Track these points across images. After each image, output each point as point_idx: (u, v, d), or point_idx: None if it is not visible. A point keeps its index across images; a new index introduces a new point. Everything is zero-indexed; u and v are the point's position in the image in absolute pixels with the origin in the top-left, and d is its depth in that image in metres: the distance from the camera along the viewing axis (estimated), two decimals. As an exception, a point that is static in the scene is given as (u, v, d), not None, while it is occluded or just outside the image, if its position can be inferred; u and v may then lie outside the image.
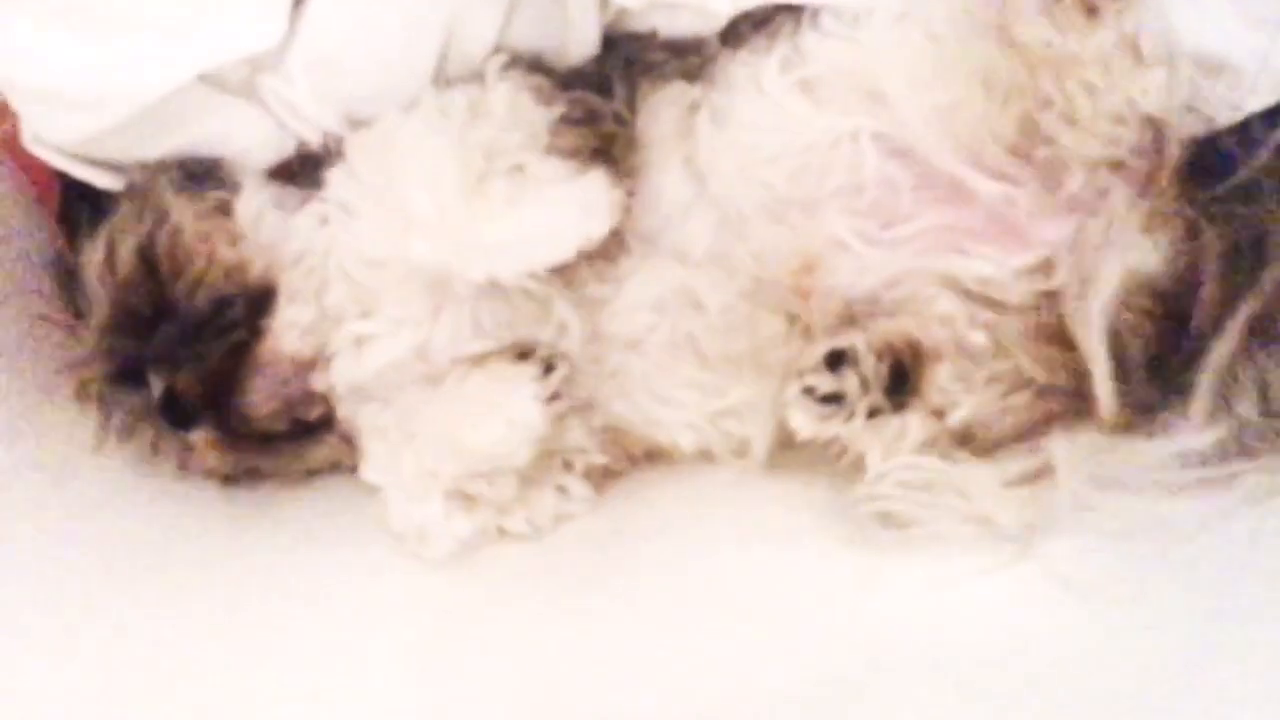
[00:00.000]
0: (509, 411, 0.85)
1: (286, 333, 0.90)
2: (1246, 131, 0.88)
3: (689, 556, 0.87)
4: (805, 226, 0.88)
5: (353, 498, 0.92)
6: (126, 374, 0.90)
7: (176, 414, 0.88)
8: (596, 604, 0.85)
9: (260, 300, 0.90)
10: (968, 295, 0.87)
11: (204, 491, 0.94)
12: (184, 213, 0.91)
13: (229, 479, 0.94)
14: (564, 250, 0.84)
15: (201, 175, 0.94)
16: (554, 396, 0.87)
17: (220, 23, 0.87)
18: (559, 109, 0.88)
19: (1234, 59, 0.87)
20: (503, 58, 0.92)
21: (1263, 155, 0.85)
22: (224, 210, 0.92)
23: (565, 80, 0.92)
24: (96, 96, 0.88)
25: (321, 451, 0.94)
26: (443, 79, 0.93)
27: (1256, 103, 0.88)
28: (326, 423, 0.92)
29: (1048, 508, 0.80)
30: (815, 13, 0.90)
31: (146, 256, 0.90)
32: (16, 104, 0.89)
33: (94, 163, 0.94)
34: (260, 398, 0.90)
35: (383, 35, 0.91)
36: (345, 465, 0.94)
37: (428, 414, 0.87)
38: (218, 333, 0.89)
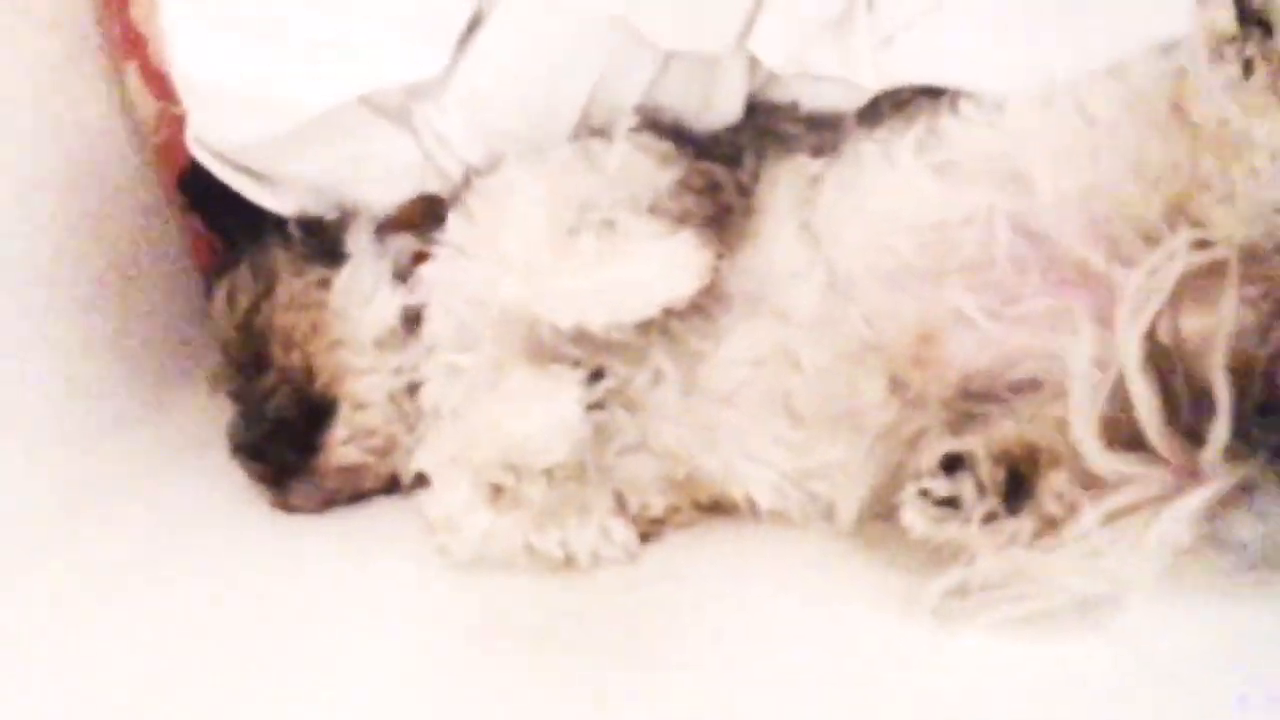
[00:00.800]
0: (550, 407, 0.86)
1: (342, 450, 0.96)
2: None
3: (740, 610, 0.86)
4: (928, 296, 0.89)
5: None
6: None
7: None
8: (624, 662, 0.83)
9: (319, 413, 0.96)
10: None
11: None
12: (289, 286, 0.97)
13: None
14: (649, 306, 0.86)
15: (314, 237, 0.99)
16: (598, 404, 0.88)
17: (390, 47, 0.92)
18: (678, 174, 0.91)
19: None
20: (633, 119, 0.95)
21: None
22: (324, 285, 0.97)
23: (699, 147, 0.95)
24: (265, 102, 0.92)
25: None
26: (587, 128, 0.97)
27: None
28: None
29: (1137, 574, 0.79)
30: (954, 99, 0.92)
31: (252, 318, 0.97)
32: (188, 100, 0.94)
33: (245, 171, 0.98)
34: (316, 493, 0.97)
35: (537, 78, 0.95)
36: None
37: (476, 402, 0.89)
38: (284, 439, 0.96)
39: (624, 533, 0.90)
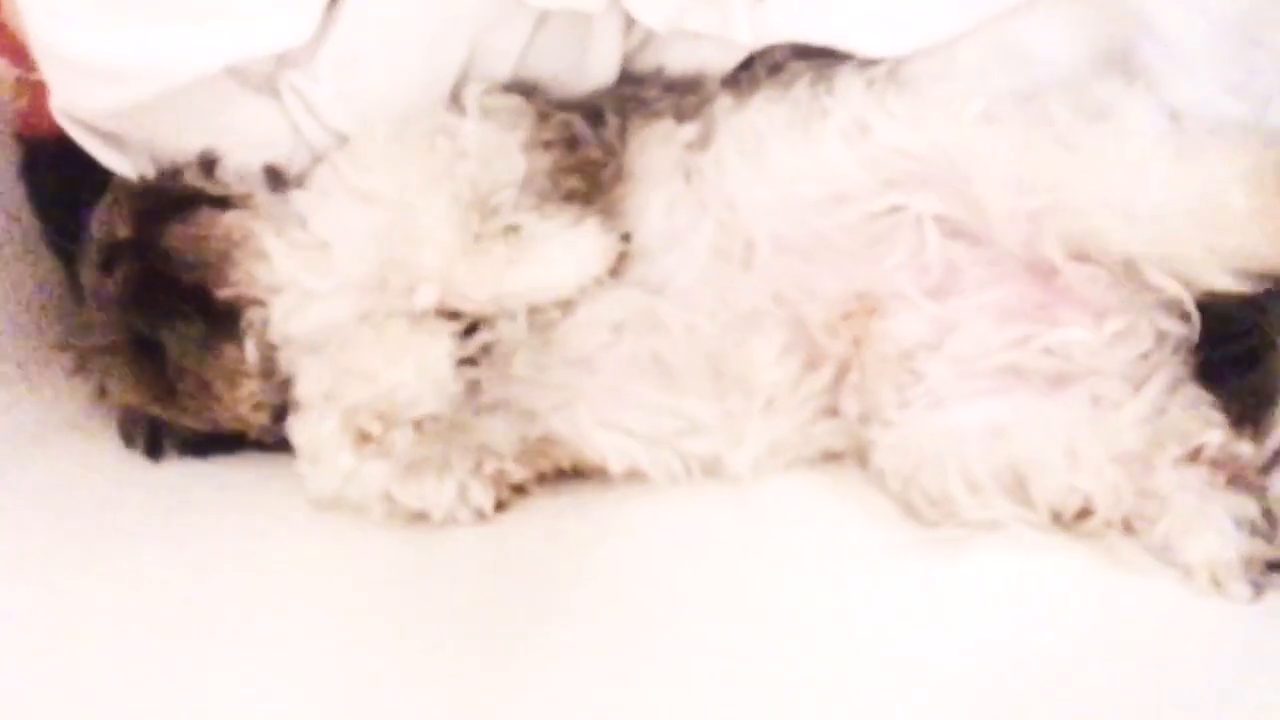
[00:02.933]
0: (422, 358, 0.88)
1: (242, 217, 0.93)
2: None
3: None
4: (855, 273, 0.93)
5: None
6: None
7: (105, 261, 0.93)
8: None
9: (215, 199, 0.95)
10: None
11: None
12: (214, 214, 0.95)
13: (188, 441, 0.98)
14: (562, 294, 0.90)
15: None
16: (470, 360, 0.90)
17: (255, 16, 0.90)
18: (529, 129, 0.93)
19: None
20: (481, 86, 0.96)
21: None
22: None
23: (557, 104, 0.97)
24: (127, 71, 0.90)
25: (223, 363, 0.94)
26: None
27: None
28: (232, 316, 0.93)
29: None
30: (849, 80, 0.94)
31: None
32: (49, 71, 0.91)
33: (111, 140, 0.96)
34: (182, 237, 0.92)
35: (410, 44, 0.94)
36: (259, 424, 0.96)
37: (353, 346, 0.89)
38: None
39: (481, 495, 0.91)
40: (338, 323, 0.91)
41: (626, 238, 0.92)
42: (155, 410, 0.96)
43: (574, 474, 0.96)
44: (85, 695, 0.77)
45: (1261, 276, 0.88)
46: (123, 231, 0.93)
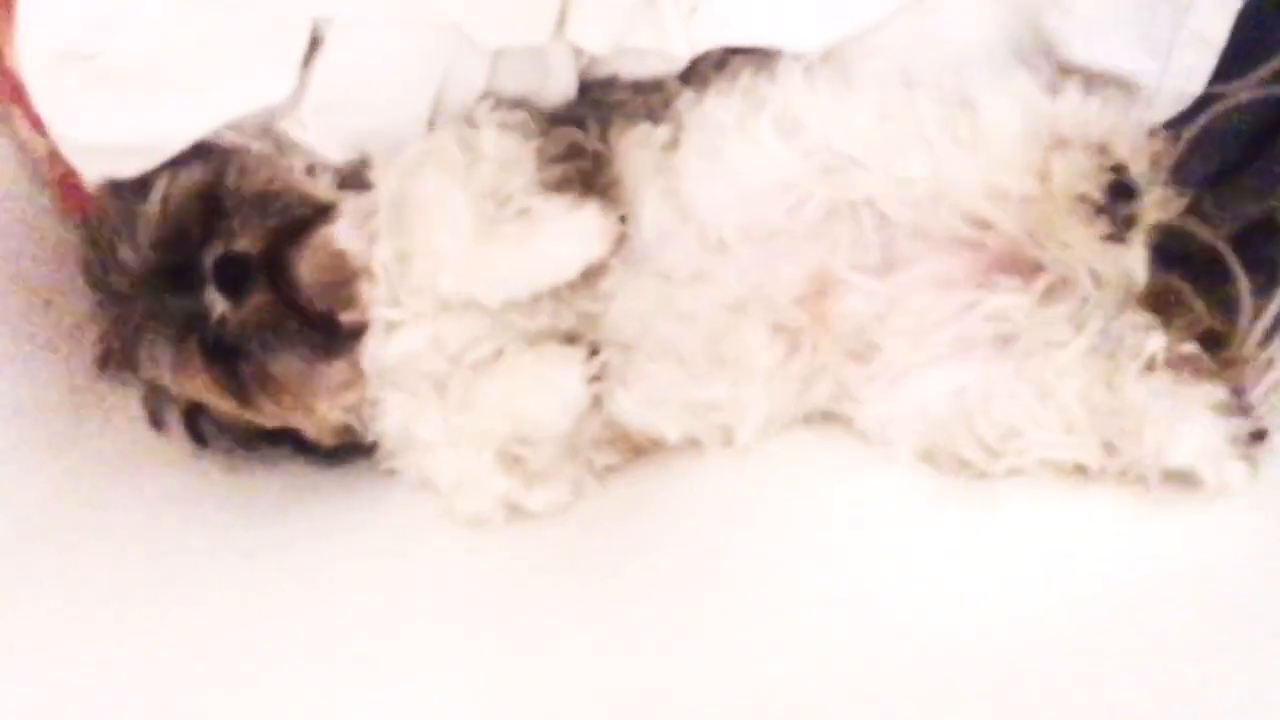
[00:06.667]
0: (560, 386, 0.96)
1: (343, 229, 1.00)
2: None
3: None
4: (809, 256, 1.00)
5: (361, 490, 1.03)
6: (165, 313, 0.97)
7: (231, 282, 0.96)
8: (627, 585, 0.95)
9: (321, 209, 1.00)
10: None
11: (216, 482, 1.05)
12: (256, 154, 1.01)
13: (235, 432, 1.04)
14: (569, 273, 0.97)
15: None
16: (596, 378, 0.98)
17: (239, 80, 1.00)
18: (538, 142, 1.00)
19: (1134, 76, 0.99)
20: (490, 101, 1.04)
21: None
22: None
23: (550, 118, 1.04)
24: (138, 146, 1.01)
25: (335, 374, 1.00)
26: (440, 118, 1.05)
27: (1157, 115, 1.00)
28: (354, 335, 1.00)
29: None
30: (788, 68, 1.01)
31: (207, 194, 0.98)
32: (68, 154, 1.03)
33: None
34: (309, 268, 0.98)
35: (384, 85, 1.03)
36: (351, 436, 1.04)
37: (485, 385, 0.98)
38: (279, 213, 0.98)
39: (591, 486, 1.02)
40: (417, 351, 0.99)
41: (624, 219, 0.99)
42: (226, 408, 1.00)
43: (651, 450, 1.05)
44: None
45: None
46: (245, 245, 0.96)
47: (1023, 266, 0.98)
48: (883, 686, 0.81)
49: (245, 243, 0.96)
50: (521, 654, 0.88)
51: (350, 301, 1.00)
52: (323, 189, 1.02)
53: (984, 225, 0.96)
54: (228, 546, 1.00)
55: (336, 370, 1.01)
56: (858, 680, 0.82)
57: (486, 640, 0.90)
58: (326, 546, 1.00)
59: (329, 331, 1.00)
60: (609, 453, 1.04)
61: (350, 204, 1.01)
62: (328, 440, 1.05)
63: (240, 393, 0.99)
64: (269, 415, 1.01)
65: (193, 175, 0.99)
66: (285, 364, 0.98)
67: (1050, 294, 0.97)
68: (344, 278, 0.99)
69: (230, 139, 1.02)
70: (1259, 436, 0.89)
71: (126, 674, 0.88)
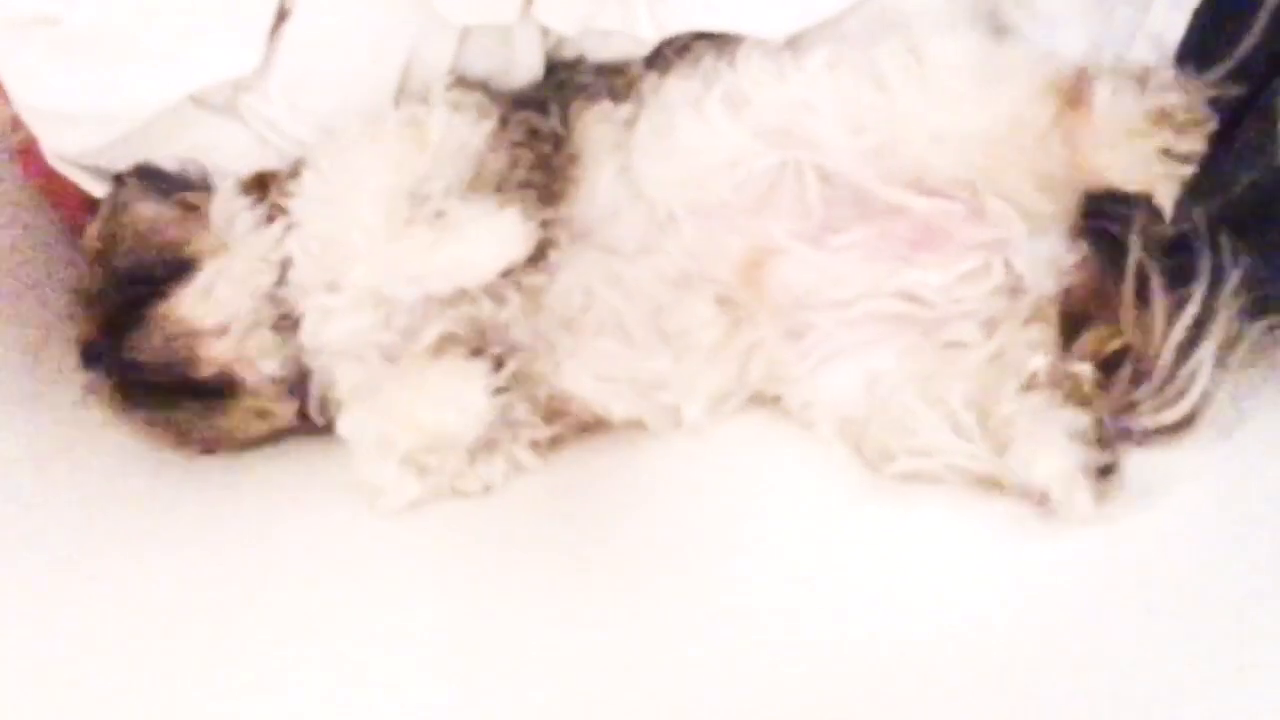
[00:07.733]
0: (462, 402, 0.97)
1: (188, 299, 1.00)
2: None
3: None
4: (750, 229, 1.01)
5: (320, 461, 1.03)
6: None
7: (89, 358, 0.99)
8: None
9: (180, 269, 1.01)
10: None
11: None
12: (143, 204, 1.03)
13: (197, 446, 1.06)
14: (484, 275, 0.97)
15: (178, 182, 1.06)
16: (501, 389, 0.99)
17: (205, 51, 1.00)
18: (494, 124, 1.01)
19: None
20: (448, 79, 1.04)
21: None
22: (191, 207, 1.04)
23: (513, 101, 1.05)
24: (100, 114, 1.01)
25: (235, 417, 1.03)
26: (405, 94, 1.05)
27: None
28: (227, 388, 1.02)
29: None
30: (747, 52, 1.02)
31: (107, 238, 1.02)
32: (32, 124, 1.02)
33: (99, 173, 1.07)
34: (143, 348, 0.99)
35: (350, 60, 1.03)
36: (301, 431, 1.06)
37: (391, 390, 0.99)
38: (129, 288, 1.00)
39: (527, 456, 1.03)
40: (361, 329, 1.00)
41: (546, 224, 1.00)
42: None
43: (597, 427, 1.06)
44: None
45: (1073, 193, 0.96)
46: (87, 332, 1.00)
47: (947, 246, 0.99)
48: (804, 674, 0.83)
49: (87, 323, 1.00)
50: (463, 628, 0.90)
51: (200, 364, 1.00)
52: (191, 247, 1.02)
53: (923, 187, 0.98)
54: (190, 514, 1.01)
55: (238, 414, 1.03)
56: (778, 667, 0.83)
57: (437, 615, 0.91)
58: (280, 518, 1.02)
59: (200, 387, 1.01)
60: (544, 429, 1.04)
61: (215, 261, 1.01)
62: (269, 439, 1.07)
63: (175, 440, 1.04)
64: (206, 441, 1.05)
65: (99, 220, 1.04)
66: (186, 419, 1.03)
67: (967, 278, 0.98)
68: (187, 345, 1.00)
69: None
70: (1107, 471, 0.89)
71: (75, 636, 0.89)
